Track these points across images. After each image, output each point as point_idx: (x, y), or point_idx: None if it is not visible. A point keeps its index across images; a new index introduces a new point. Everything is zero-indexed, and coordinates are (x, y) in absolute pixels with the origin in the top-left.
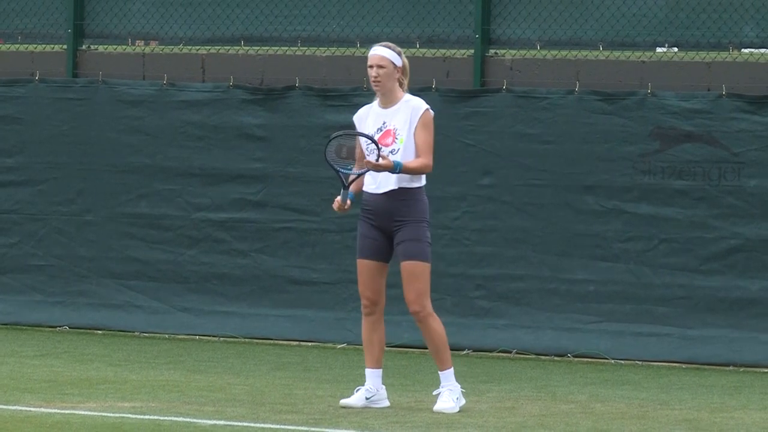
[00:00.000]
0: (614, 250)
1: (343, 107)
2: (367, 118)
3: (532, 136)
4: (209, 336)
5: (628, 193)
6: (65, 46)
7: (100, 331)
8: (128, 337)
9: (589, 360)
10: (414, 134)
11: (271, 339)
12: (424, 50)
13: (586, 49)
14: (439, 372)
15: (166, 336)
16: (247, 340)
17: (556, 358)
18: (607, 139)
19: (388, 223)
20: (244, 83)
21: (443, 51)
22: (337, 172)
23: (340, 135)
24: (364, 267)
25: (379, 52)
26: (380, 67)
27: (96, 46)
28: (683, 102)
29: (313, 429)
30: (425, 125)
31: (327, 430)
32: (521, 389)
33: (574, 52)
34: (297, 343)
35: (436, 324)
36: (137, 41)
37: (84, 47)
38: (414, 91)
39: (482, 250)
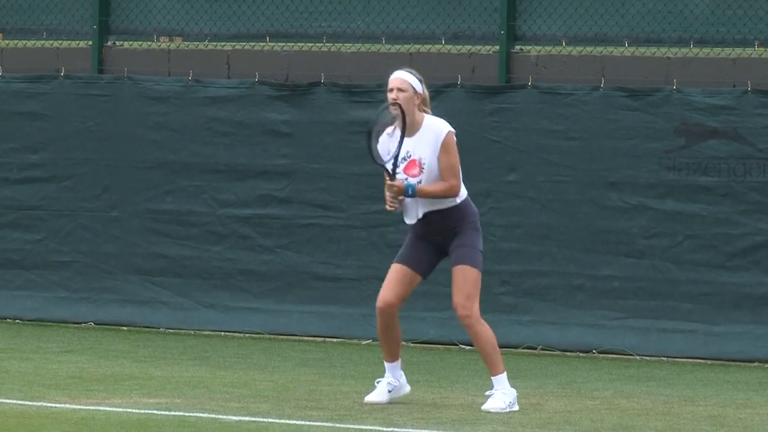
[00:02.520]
0: (639, 247)
1: (368, 103)
2: (391, 146)
3: (557, 132)
4: (234, 332)
5: (653, 189)
6: (90, 43)
7: (125, 328)
8: (153, 334)
9: (615, 356)
10: (438, 158)
11: (296, 335)
12: (449, 46)
13: (612, 46)
14: (491, 377)
15: (192, 332)
16: (272, 336)
17: (581, 355)
18: (632, 136)
19: (436, 237)
20: (270, 79)
21: (468, 47)
22: (383, 166)
23: (370, 133)
24: (395, 271)
25: (400, 75)
26: (400, 90)
27: (121, 43)
28: (708, 98)
29: (338, 425)
30: (447, 148)
31: (352, 426)
32: (546, 385)
33: (600, 49)
34: (322, 339)
35: (484, 329)
36: (162, 37)
37: (109, 43)
38: (439, 88)
39: (507, 246)
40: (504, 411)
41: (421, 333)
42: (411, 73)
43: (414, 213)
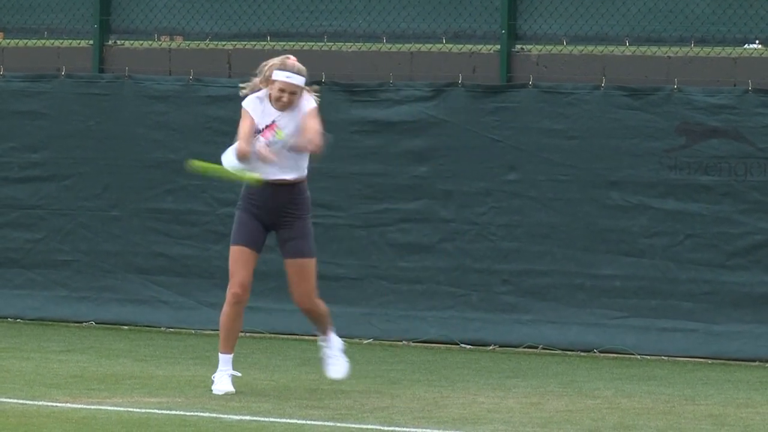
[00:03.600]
0: (640, 246)
1: (370, 102)
2: (259, 111)
3: (558, 131)
4: None
5: (654, 188)
6: (91, 42)
7: (125, 327)
8: (154, 333)
9: (615, 355)
10: (302, 124)
11: (297, 334)
12: (450, 45)
13: (613, 45)
14: (325, 335)
15: (192, 331)
16: (272, 335)
17: (582, 354)
18: (633, 135)
19: (274, 218)
20: None
21: (469, 46)
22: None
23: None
24: (243, 254)
25: (293, 80)
26: (292, 93)
27: (122, 42)
28: (709, 97)
29: (338, 424)
30: (312, 114)
31: (353, 425)
32: (547, 385)
33: (600, 48)
34: None
35: (321, 304)
36: (163, 37)
37: (110, 43)
38: (440, 87)
39: (508, 245)
40: (348, 370)
41: (422, 332)
42: (300, 73)
43: (268, 173)
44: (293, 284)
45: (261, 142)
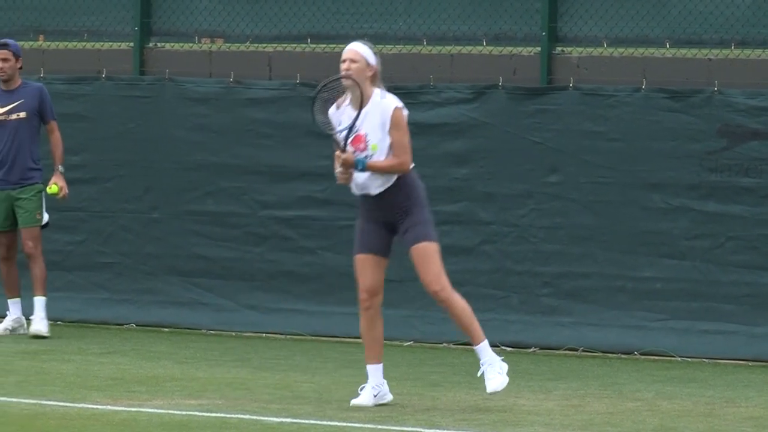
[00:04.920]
0: (681, 248)
1: (410, 105)
2: (341, 117)
3: (598, 133)
4: (276, 334)
5: (695, 190)
6: (132, 44)
7: (166, 329)
8: (195, 335)
9: (656, 357)
10: (389, 135)
11: (338, 336)
12: (490, 48)
13: (653, 47)
14: (474, 347)
15: (233, 334)
16: (313, 337)
17: (622, 356)
18: (674, 137)
19: (390, 217)
20: (311, 81)
21: (510, 48)
22: (333, 136)
23: (321, 90)
24: (362, 261)
25: (354, 47)
26: (353, 61)
27: (163, 44)
28: (750, 100)
29: (379, 427)
30: (397, 125)
31: (393, 427)
32: (588, 387)
33: (641, 50)
34: None
35: (458, 299)
36: (204, 39)
37: (151, 45)
38: (480, 89)
39: (549, 247)
40: (506, 383)
41: (463, 334)
42: (365, 44)
43: (365, 188)
44: (420, 272)
45: (349, 153)
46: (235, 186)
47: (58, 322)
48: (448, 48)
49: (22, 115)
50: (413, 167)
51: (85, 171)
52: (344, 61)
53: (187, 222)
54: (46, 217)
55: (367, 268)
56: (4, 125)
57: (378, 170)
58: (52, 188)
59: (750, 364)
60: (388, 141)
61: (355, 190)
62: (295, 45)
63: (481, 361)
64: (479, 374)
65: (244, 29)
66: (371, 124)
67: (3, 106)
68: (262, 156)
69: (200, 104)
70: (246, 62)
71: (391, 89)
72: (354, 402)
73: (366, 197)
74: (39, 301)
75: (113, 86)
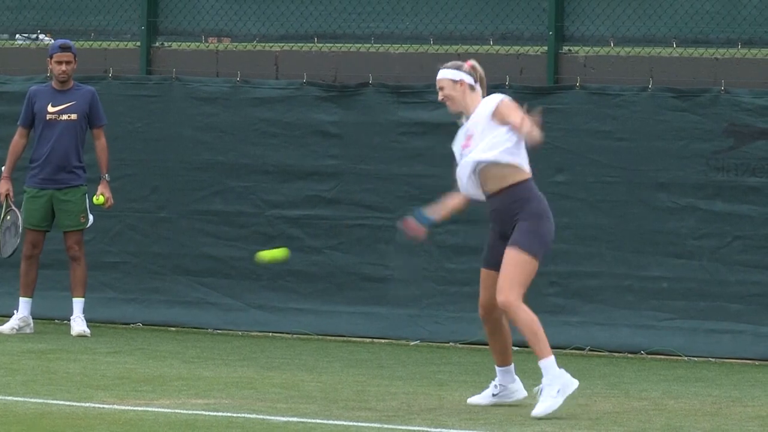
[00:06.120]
0: (688, 247)
1: (417, 104)
2: (457, 138)
3: (605, 133)
4: (282, 333)
5: (702, 190)
6: (139, 43)
7: (173, 328)
8: (201, 334)
9: (663, 357)
10: (500, 123)
11: (345, 336)
12: (497, 47)
13: (660, 46)
14: (539, 362)
15: (240, 333)
16: (320, 337)
17: (629, 355)
18: (681, 136)
19: (506, 227)
20: (318, 80)
21: (517, 48)
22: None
23: None
24: (483, 275)
25: (438, 75)
26: (441, 88)
27: (169, 44)
28: (757, 99)
29: (385, 426)
30: (505, 108)
31: (400, 427)
32: (594, 386)
33: (648, 49)
34: (370, 340)
35: (523, 315)
36: (210, 38)
37: (157, 44)
38: (487, 88)
39: (556, 247)
40: (553, 409)
41: (470, 334)
42: (445, 67)
43: (474, 193)
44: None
45: (463, 158)
46: (242, 185)
47: (65, 322)
48: (455, 47)
49: (73, 116)
50: (531, 180)
51: (92, 170)
52: (439, 89)
53: (195, 221)
54: (91, 219)
55: (483, 282)
56: (53, 125)
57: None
58: (99, 199)
59: (757, 363)
60: (488, 134)
61: (480, 195)
62: (302, 44)
63: (543, 379)
64: (536, 390)
65: (251, 29)
66: (478, 122)
67: (54, 106)
68: (269, 155)
69: (207, 104)
70: (253, 62)
71: (397, 89)
72: (470, 399)
73: (489, 205)
74: (79, 302)
75: (120, 86)
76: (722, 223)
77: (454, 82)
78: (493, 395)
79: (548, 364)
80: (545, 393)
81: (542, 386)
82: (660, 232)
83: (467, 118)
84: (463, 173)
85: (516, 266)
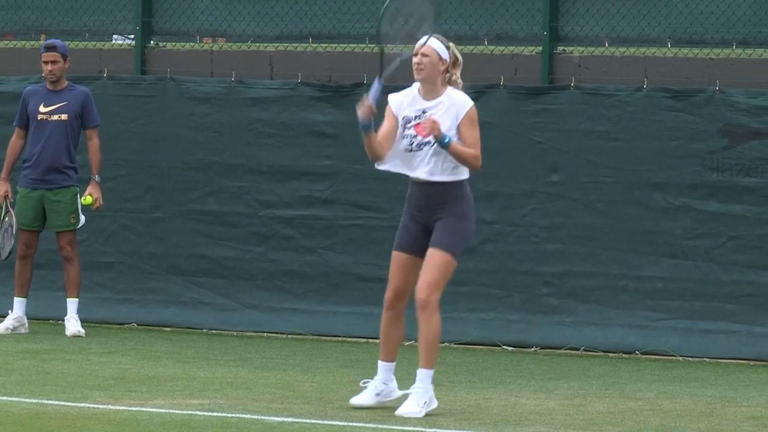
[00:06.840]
0: (682, 248)
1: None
2: (405, 103)
3: (600, 133)
4: (277, 333)
5: (696, 190)
6: (133, 43)
7: (167, 328)
8: (196, 335)
9: (657, 357)
10: (459, 130)
11: (339, 336)
12: (492, 47)
13: (654, 47)
14: (418, 369)
15: (234, 333)
16: (314, 337)
17: (624, 355)
18: (675, 137)
19: (429, 217)
20: (313, 80)
21: (511, 48)
22: (382, 53)
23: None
24: (398, 259)
25: (428, 42)
26: (424, 55)
27: (164, 44)
28: (751, 99)
29: (380, 426)
30: (472, 122)
31: (395, 427)
32: (589, 386)
33: (642, 50)
34: (365, 340)
35: (436, 320)
36: (205, 38)
37: (152, 44)
38: (482, 89)
39: (550, 247)
40: (420, 414)
41: (464, 334)
42: (437, 38)
43: (421, 170)
44: (421, 275)
45: (410, 136)
46: (236, 185)
47: (60, 322)
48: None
49: (64, 117)
50: (468, 176)
51: (86, 171)
52: (416, 54)
53: (189, 221)
54: (82, 219)
55: (396, 267)
56: (44, 125)
57: (456, 155)
58: (86, 199)
59: (751, 363)
60: (454, 133)
61: (410, 173)
62: (296, 44)
63: (414, 385)
64: (403, 393)
65: (246, 29)
66: (442, 114)
67: (46, 106)
68: (263, 155)
69: (202, 104)
70: (247, 62)
71: (393, 88)
72: (354, 401)
73: (415, 190)
74: (73, 303)
75: (114, 86)
76: (717, 223)
77: (440, 58)
78: (377, 394)
79: (429, 375)
80: (415, 398)
81: (412, 392)
82: (655, 232)
83: (426, 95)
84: (414, 156)
85: (440, 267)
